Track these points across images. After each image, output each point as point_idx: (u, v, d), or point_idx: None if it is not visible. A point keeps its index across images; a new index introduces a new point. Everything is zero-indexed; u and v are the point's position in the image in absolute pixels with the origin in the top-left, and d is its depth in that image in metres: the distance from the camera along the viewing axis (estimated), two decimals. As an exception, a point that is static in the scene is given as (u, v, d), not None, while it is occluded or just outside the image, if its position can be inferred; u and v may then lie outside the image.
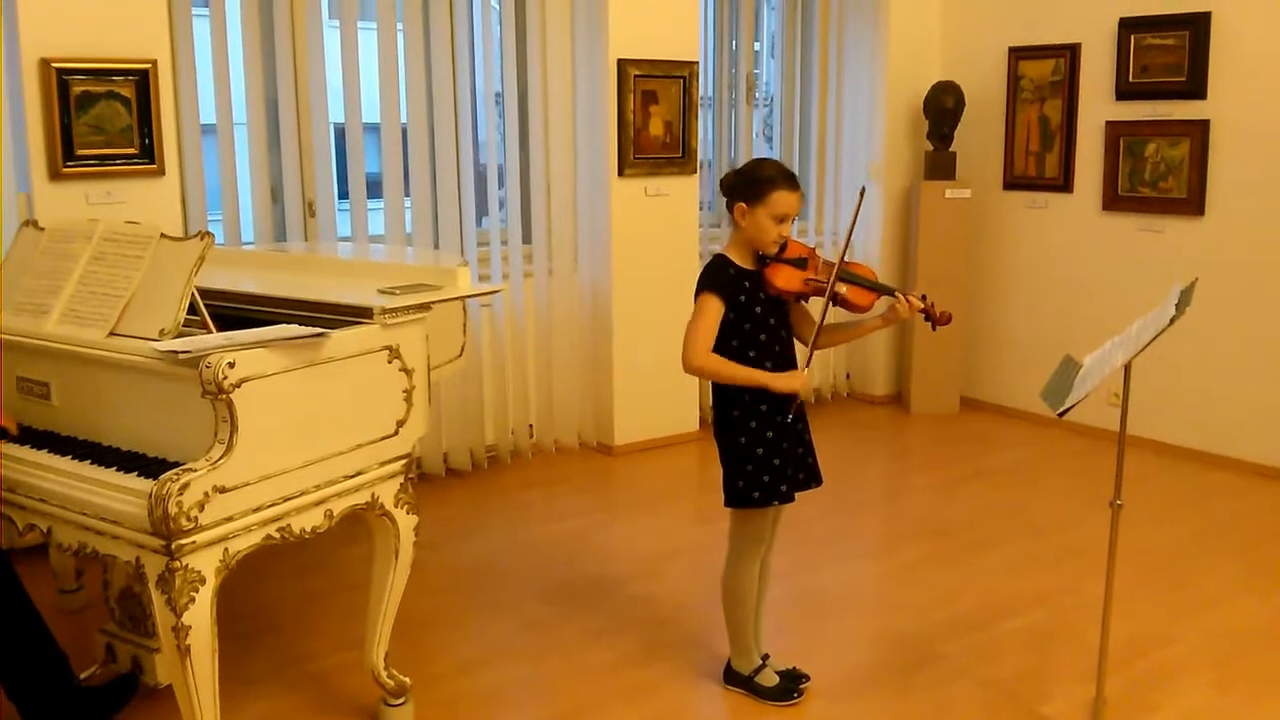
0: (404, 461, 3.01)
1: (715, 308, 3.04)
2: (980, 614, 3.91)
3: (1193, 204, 5.56)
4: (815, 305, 3.15)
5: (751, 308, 3.08)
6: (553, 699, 3.37)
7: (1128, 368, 2.93)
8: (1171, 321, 2.87)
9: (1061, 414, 2.89)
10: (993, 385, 6.63)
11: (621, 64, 5.47)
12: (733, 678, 3.39)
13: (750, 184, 3.05)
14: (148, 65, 4.30)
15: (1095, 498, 4.51)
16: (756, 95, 6.52)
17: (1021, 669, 3.52)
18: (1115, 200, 5.89)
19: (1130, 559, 4.09)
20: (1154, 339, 2.87)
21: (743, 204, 3.06)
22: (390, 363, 2.94)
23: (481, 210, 5.67)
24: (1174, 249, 5.66)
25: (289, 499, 2.68)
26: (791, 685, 3.34)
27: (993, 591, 4.10)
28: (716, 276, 3.08)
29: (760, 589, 3.33)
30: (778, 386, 3.05)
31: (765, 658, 3.38)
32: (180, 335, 2.72)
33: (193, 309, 2.80)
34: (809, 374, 3.10)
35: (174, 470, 2.46)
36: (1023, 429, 6.24)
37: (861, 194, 3.41)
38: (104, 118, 4.23)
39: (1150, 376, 5.04)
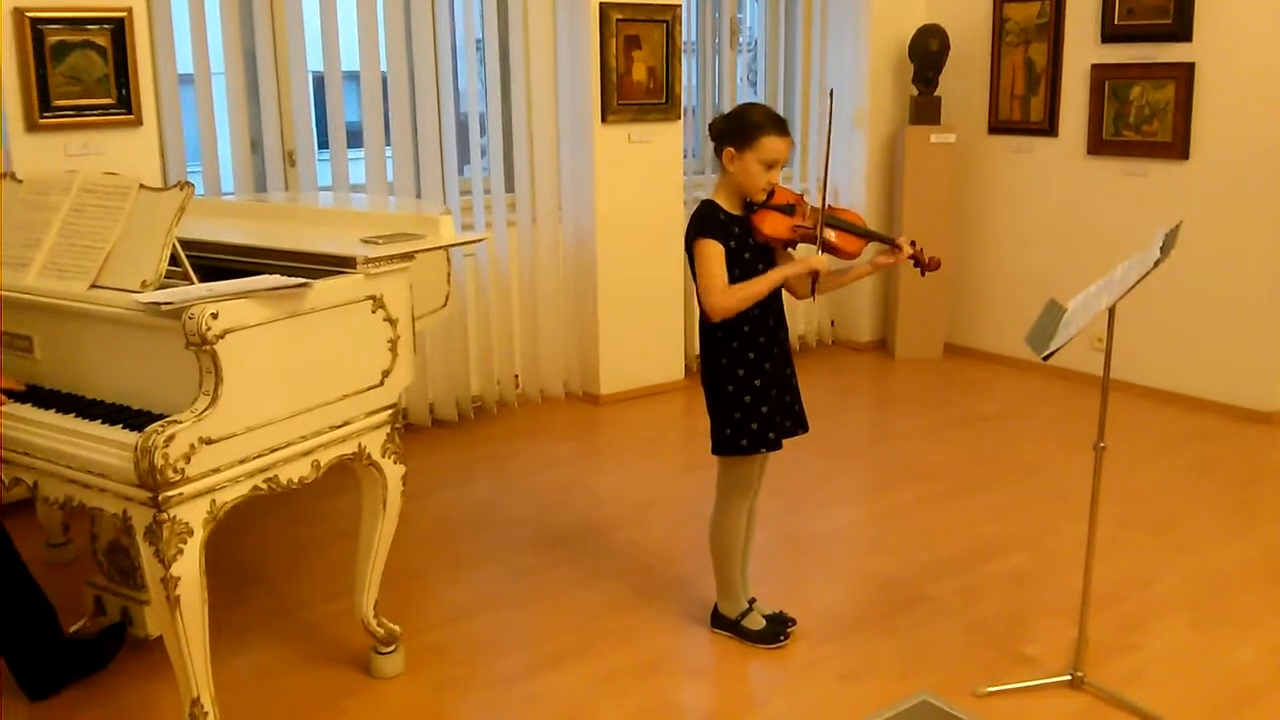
0: (390, 411, 3.01)
1: (717, 249, 3.03)
2: (965, 556, 3.95)
3: (1177, 148, 5.55)
4: (804, 253, 3.15)
5: (740, 254, 3.07)
6: (541, 644, 3.40)
7: (1112, 311, 2.93)
8: (1156, 265, 2.88)
9: (1046, 358, 2.90)
10: (977, 330, 6.64)
11: (603, 8, 5.41)
12: (720, 621, 3.42)
13: (739, 129, 3.03)
14: (123, 14, 4.22)
15: (1079, 441, 4.54)
16: (740, 40, 6.46)
17: (1005, 610, 3.57)
18: (1100, 144, 5.87)
19: (1113, 501, 4.13)
20: (1138, 282, 2.88)
21: (731, 149, 3.03)
22: (374, 313, 2.92)
23: (463, 159, 5.61)
24: (1159, 193, 5.66)
25: (276, 450, 2.67)
26: (778, 628, 3.38)
27: (977, 534, 4.14)
28: (708, 222, 3.06)
29: (746, 534, 3.35)
30: (794, 271, 3.07)
31: (752, 601, 3.42)
32: (162, 287, 2.69)
33: (174, 260, 2.78)
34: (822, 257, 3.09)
35: (159, 422, 2.45)
36: (1007, 374, 6.27)
37: (830, 97, 3.39)
38: (80, 68, 4.17)
39: (1134, 320, 5.05)
